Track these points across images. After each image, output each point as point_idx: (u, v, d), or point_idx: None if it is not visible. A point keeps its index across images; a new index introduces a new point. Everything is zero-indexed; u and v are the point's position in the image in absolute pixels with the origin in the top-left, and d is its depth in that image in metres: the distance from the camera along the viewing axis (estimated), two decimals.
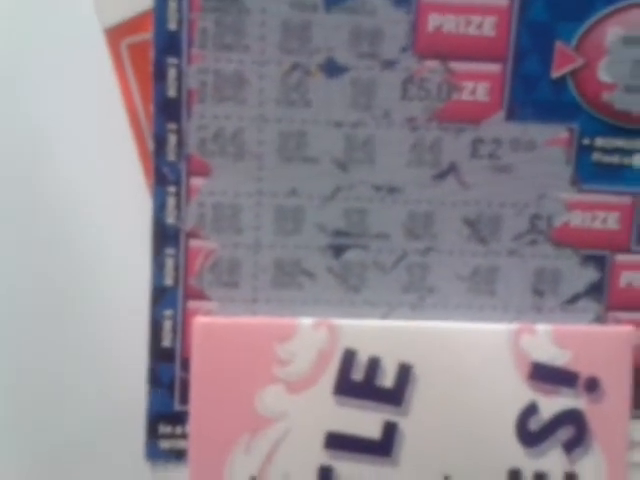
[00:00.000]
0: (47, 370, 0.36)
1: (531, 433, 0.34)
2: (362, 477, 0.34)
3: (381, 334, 0.33)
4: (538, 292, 0.34)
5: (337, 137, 0.33)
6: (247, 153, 0.33)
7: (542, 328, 0.34)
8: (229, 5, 0.32)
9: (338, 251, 0.34)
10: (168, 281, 0.33)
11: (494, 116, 0.33)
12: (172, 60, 0.32)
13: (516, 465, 0.34)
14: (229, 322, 0.33)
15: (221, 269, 0.34)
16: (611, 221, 0.34)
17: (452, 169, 0.34)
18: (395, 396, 0.33)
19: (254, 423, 0.33)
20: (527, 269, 0.34)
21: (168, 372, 0.34)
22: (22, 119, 0.34)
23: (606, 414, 0.34)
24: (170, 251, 0.33)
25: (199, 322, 0.33)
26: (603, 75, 0.33)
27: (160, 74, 0.32)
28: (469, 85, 0.33)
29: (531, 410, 0.34)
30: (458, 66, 0.33)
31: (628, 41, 0.33)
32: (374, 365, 0.33)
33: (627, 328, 0.34)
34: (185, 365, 0.34)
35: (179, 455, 0.34)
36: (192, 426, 0.33)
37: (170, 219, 0.33)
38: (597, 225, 0.34)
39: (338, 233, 0.34)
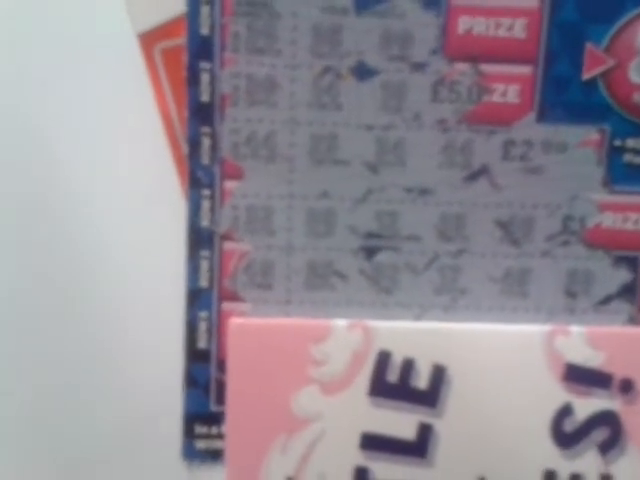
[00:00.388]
0: (81, 369, 0.36)
1: (566, 434, 0.34)
2: (397, 478, 0.34)
3: (416, 335, 0.34)
4: (570, 293, 0.34)
5: (368, 140, 0.33)
6: (279, 156, 0.33)
7: (576, 329, 0.34)
8: (261, 9, 0.32)
9: (370, 253, 0.34)
10: (203, 283, 0.34)
11: (525, 118, 0.33)
12: (205, 65, 0.33)
13: (551, 466, 0.34)
14: (264, 323, 0.33)
15: (255, 271, 0.34)
16: None
17: (484, 171, 0.34)
18: (430, 397, 0.33)
19: (290, 424, 0.33)
20: (559, 270, 0.34)
21: (204, 373, 0.34)
22: (57, 123, 0.34)
23: None
24: (205, 253, 0.34)
25: (235, 323, 0.33)
26: (634, 76, 0.33)
27: (193, 79, 0.33)
28: (500, 87, 0.33)
29: (566, 411, 0.34)
30: (488, 68, 0.33)
31: None
32: (408, 366, 0.33)
33: None
34: (220, 366, 0.34)
35: (215, 455, 0.35)
36: (229, 427, 0.33)
37: (205, 222, 0.34)
38: (629, 226, 0.34)
39: (370, 235, 0.34)
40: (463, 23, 0.33)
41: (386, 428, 0.33)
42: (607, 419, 0.34)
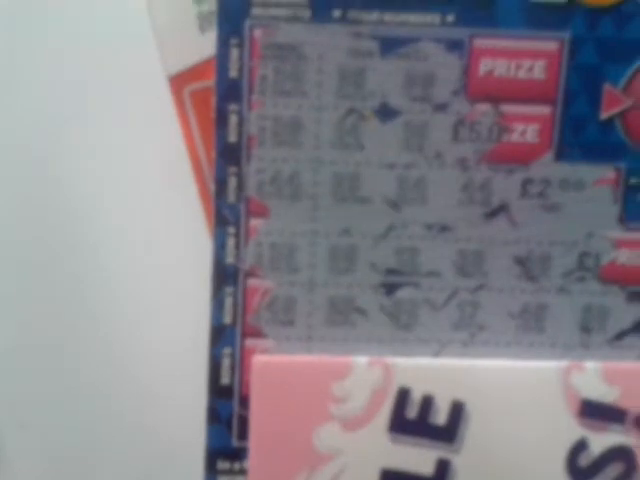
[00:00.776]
0: (105, 406, 0.36)
1: (581, 469, 0.34)
2: None
3: (434, 372, 0.34)
4: (586, 329, 0.35)
5: (390, 178, 0.34)
6: (303, 194, 0.34)
7: (591, 365, 0.34)
8: (288, 53, 0.33)
9: (390, 289, 0.34)
10: (227, 319, 0.34)
11: (543, 157, 0.34)
12: (233, 106, 0.33)
13: None
14: (287, 361, 0.34)
15: (277, 307, 0.34)
16: None
17: (502, 208, 0.34)
18: (448, 433, 0.34)
19: (312, 460, 0.34)
20: (575, 306, 0.35)
21: (226, 408, 0.34)
22: (88, 163, 0.35)
23: None
24: (229, 290, 0.34)
25: (258, 361, 0.34)
26: None
27: (222, 120, 0.33)
28: (519, 127, 0.34)
29: (581, 446, 0.34)
30: (509, 108, 0.33)
31: None
32: (427, 403, 0.34)
33: None
34: (243, 402, 0.34)
35: None
36: (252, 462, 0.34)
37: (230, 259, 0.34)
38: None
39: (390, 271, 0.34)
40: (484, 65, 0.33)
41: (405, 464, 0.34)
42: (622, 454, 0.34)
